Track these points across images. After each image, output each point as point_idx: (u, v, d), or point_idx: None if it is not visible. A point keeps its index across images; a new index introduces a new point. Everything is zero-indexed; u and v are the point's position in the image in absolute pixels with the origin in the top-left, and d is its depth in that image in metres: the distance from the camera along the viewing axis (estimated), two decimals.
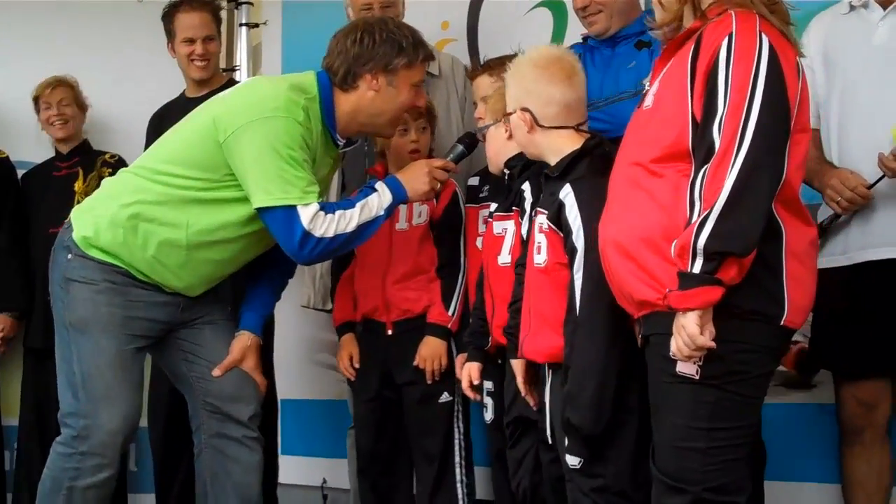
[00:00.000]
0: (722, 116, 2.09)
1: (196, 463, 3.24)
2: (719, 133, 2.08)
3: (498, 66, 3.20)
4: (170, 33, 4.05)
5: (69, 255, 2.98)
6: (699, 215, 2.07)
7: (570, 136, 2.59)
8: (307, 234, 2.83)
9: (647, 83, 2.35)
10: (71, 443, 2.94)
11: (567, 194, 2.48)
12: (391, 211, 2.99)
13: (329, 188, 3.25)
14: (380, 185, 2.97)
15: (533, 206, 2.70)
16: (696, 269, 2.05)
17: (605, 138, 2.61)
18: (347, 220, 2.88)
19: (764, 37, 2.13)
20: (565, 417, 2.43)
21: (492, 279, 2.95)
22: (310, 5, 4.62)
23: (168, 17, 4.07)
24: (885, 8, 2.87)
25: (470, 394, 3.06)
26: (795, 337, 3.37)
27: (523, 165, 2.85)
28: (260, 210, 2.86)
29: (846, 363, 2.92)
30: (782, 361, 3.48)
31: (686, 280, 2.07)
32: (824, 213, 2.92)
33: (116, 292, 2.96)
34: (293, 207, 2.82)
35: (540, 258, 2.60)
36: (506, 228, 2.92)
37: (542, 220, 2.60)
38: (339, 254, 3.10)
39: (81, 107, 4.46)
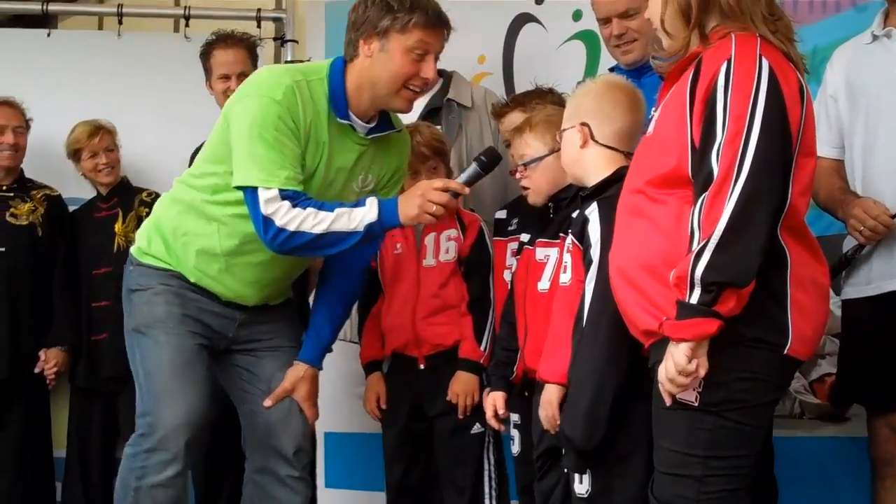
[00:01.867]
0: (720, 144, 2.05)
1: (243, 489, 3.20)
2: (717, 161, 2.05)
3: (527, 100, 3.23)
4: (207, 71, 4.14)
5: (131, 268, 3.06)
6: (697, 245, 2.04)
7: (614, 160, 2.61)
8: (267, 220, 2.72)
9: (653, 110, 2.34)
10: (137, 441, 2.92)
11: (592, 210, 2.52)
12: (377, 232, 2.78)
13: (360, 191, 2.98)
14: (370, 201, 2.76)
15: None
16: (694, 299, 2.02)
17: None
18: (316, 221, 2.71)
19: (764, 61, 2.09)
20: (561, 428, 2.44)
21: (528, 306, 2.93)
22: None
23: (205, 54, 4.15)
24: None
25: (494, 424, 3.06)
26: (828, 369, 3.40)
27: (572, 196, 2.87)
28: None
29: (876, 394, 2.89)
30: (818, 394, 3.49)
31: (683, 310, 2.04)
32: (849, 244, 2.90)
33: (173, 293, 2.97)
34: (255, 189, 2.73)
35: (566, 277, 2.65)
36: (548, 255, 2.89)
37: (569, 239, 2.65)
38: (313, 254, 2.95)
39: (119, 148, 4.52)
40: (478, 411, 3.26)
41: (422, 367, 3.34)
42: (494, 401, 3.04)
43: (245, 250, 2.94)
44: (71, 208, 4.60)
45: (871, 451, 2.96)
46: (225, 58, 4.10)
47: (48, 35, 5.00)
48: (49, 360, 4.34)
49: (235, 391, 3.13)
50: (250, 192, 2.74)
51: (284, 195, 2.71)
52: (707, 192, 2.06)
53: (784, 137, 2.08)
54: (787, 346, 2.12)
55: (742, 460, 2.14)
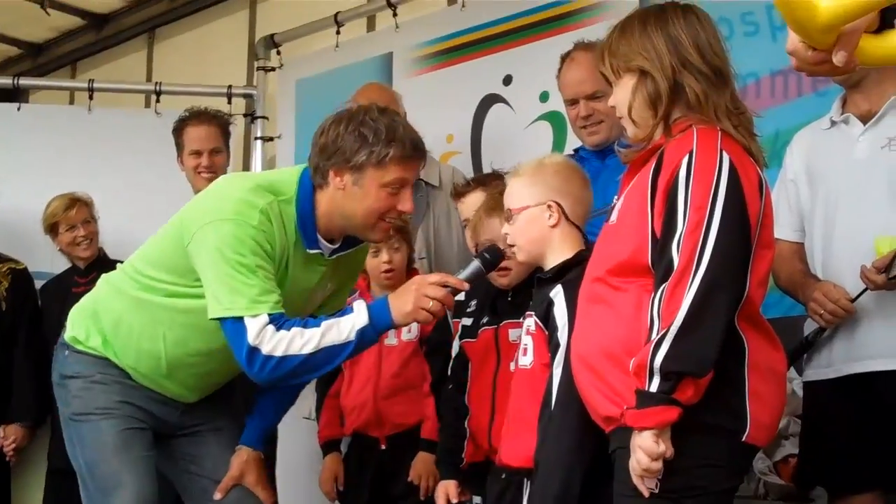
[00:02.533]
0: (681, 234, 2.09)
1: None
2: (678, 251, 2.08)
3: (488, 181, 3.25)
4: (179, 146, 4.17)
5: (66, 353, 2.89)
6: (657, 334, 2.07)
7: (578, 240, 2.64)
8: (253, 350, 2.51)
9: (615, 198, 2.37)
10: None
11: (557, 293, 2.52)
12: (370, 338, 2.59)
13: (322, 298, 2.92)
14: (357, 305, 2.60)
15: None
16: (654, 388, 2.04)
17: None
18: (304, 341, 2.52)
19: (725, 154, 2.13)
20: None
21: (499, 388, 2.88)
22: (324, 116, 4.71)
23: (178, 130, 4.20)
24: (864, 123, 2.90)
25: None
26: (792, 449, 3.40)
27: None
28: (215, 321, 2.61)
29: (836, 478, 2.89)
30: (782, 475, 3.50)
31: (643, 399, 2.06)
32: (810, 327, 2.92)
33: (112, 381, 2.82)
34: (241, 319, 2.52)
35: (526, 359, 2.62)
36: (520, 336, 2.86)
37: (530, 322, 2.63)
38: (304, 379, 2.78)
39: (96, 221, 4.53)
40: None
41: (383, 447, 3.31)
42: (447, 489, 3.01)
43: (192, 362, 2.82)
44: (40, 282, 4.59)
45: None
46: (197, 133, 4.14)
47: (18, 109, 5.06)
48: (7, 437, 4.31)
49: (181, 477, 2.98)
50: (232, 323, 2.54)
51: (271, 320, 2.53)
52: (667, 282, 2.08)
53: (743, 229, 2.12)
54: (746, 433, 2.13)
55: None
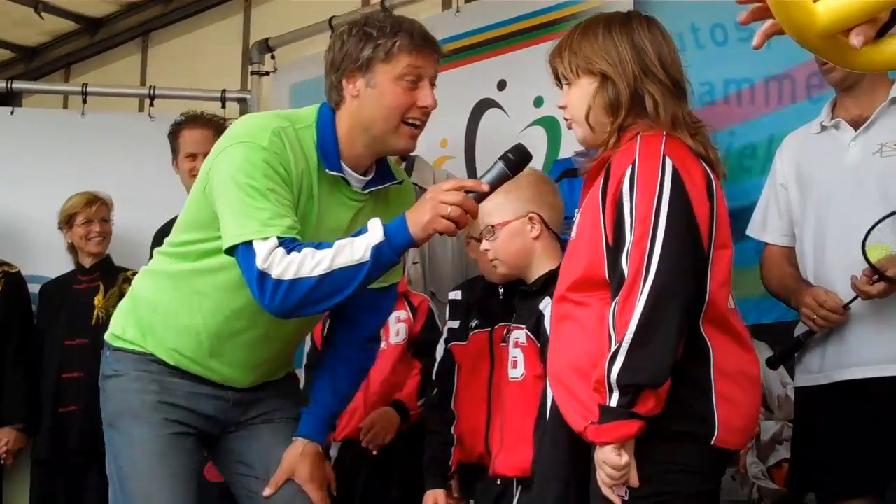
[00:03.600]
0: (629, 247, 2.09)
1: None
2: (627, 263, 2.09)
3: None
4: (175, 150, 4.19)
5: (107, 353, 2.72)
6: (612, 348, 2.07)
7: (557, 250, 2.65)
8: (263, 275, 2.32)
9: (576, 212, 2.36)
10: None
11: (547, 306, 2.54)
12: (386, 257, 2.33)
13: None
14: (371, 223, 2.36)
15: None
16: (613, 402, 2.04)
17: None
18: (314, 262, 2.30)
19: (668, 160, 2.12)
20: None
21: (495, 392, 2.88)
22: None
23: (174, 133, 4.21)
24: (855, 129, 2.91)
25: None
26: (786, 454, 3.40)
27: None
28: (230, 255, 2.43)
29: (827, 483, 2.89)
30: (775, 479, 3.49)
31: (604, 414, 2.07)
32: (801, 328, 2.92)
33: (150, 380, 2.62)
34: (250, 244, 2.34)
35: (517, 372, 2.65)
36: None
37: (518, 334, 2.65)
38: (320, 308, 2.44)
39: (112, 224, 4.55)
40: None
41: (374, 453, 3.31)
42: (435, 499, 3.00)
43: (233, 330, 2.60)
44: (33, 286, 4.59)
45: None
46: (193, 137, 4.15)
47: (11, 113, 5.04)
48: (0, 439, 4.29)
49: (232, 478, 2.77)
50: (243, 250, 2.36)
51: (281, 243, 2.33)
52: (619, 295, 2.09)
53: (691, 234, 2.11)
54: (714, 437, 2.13)
55: None
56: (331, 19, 4.71)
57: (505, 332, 2.87)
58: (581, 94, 2.28)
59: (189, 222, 2.61)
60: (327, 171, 2.51)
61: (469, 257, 3.39)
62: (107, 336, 2.75)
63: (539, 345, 2.58)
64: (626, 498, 2.10)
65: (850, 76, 2.86)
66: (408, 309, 3.41)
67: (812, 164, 2.97)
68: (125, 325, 2.70)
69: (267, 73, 5.08)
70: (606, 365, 2.05)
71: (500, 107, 4.24)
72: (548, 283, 2.60)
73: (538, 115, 4.10)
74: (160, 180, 4.61)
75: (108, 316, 4.27)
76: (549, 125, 4.09)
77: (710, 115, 3.16)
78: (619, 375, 2.03)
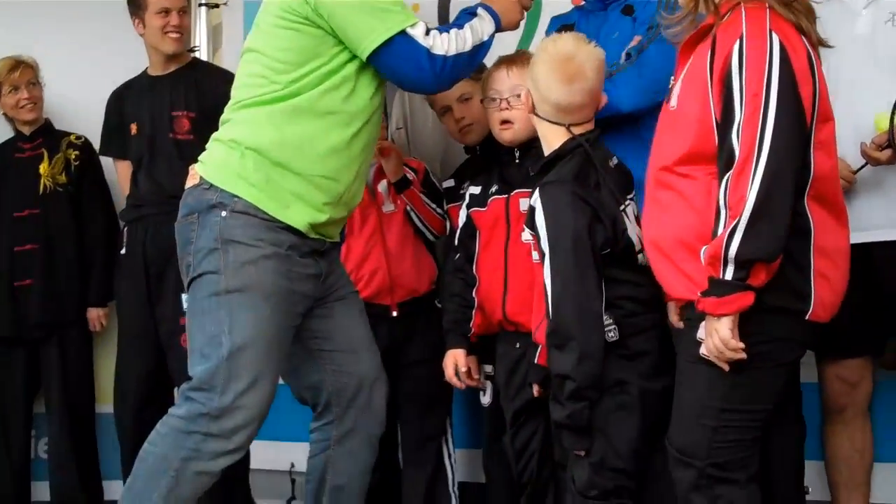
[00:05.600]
0: (739, 123, 2.15)
1: (312, 460, 2.95)
2: (738, 140, 2.15)
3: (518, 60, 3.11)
4: (140, 6, 3.96)
5: (223, 213, 2.62)
6: (726, 224, 2.14)
7: (558, 133, 2.64)
8: (430, 54, 2.63)
9: (672, 79, 2.39)
10: (196, 420, 2.57)
11: (536, 199, 2.55)
12: (492, 34, 2.79)
13: None
14: (480, 10, 2.78)
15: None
16: (728, 275, 2.14)
17: (589, 137, 2.63)
18: (463, 39, 2.70)
19: (774, 36, 2.18)
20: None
21: (511, 255, 2.92)
22: None
23: None
24: None
25: (455, 382, 3.05)
26: None
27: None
28: (373, 57, 2.63)
29: (828, 343, 2.97)
30: None
31: (719, 287, 2.15)
32: None
33: (282, 260, 2.63)
34: (403, 33, 2.62)
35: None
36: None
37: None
38: (463, 77, 2.87)
39: (42, 86, 4.34)
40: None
41: (394, 314, 3.30)
42: (455, 359, 3.02)
43: (359, 132, 2.73)
44: None
45: (822, 398, 3.08)
46: None
47: None
48: None
49: (312, 354, 2.85)
50: (400, 39, 2.62)
51: (427, 27, 2.66)
52: (731, 172, 2.15)
53: (798, 111, 2.18)
54: (809, 312, 2.24)
55: (756, 414, 2.28)
56: None
57: (521, 198, 2.91)
58: None
59: (293, 60, 2.66)
60: None
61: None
62: (219, 197, 2.63)
63: (536, 236, 2.58)
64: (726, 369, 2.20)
65: None
66: (409, 171, 3.40)
67: (820, 33, 2.97)
68: (249, 186, 2.63)
69: None
70: (724, 240, 2.13)
71: None
72: (544, 170, 2.64)
73: None
74: (113, 42, 4.43)
75: (56, 184, 4.19)
76: None
77: None
78: (737, 251, 2.11)
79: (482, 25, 2.73)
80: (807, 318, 2.25)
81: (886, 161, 2.80)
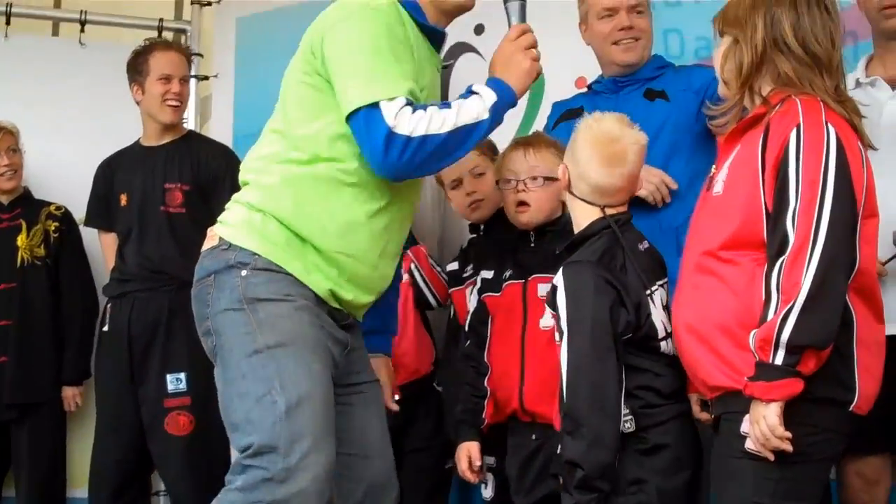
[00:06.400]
0: (795, 209, 2.15)
1: None
2: (793, 226, 2.15)
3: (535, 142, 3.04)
4: (141, 72, 3.89)
5: (243, 272, 2.39)
6: (777, 308, 2.12)
7: (591, 213, 2.58)
8: (391, 133, 2.29)
9: (714, 167, 2.39)
10: (259, 488, 2.25)
11: (559, 278, 2.49)
12: (501, 113, 2.43)
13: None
14: (478, 86, 2.43)
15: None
16: (779, 361, 2.11)
17: (619, 219, 2.56)
18: (442, 119, 2.33)
19: (831, 128, 2.20)
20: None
21: (528, 343, 2.83)
22: (265, 57, 4.49)
23: (141, 54, 3.92)
24: (893, 87, 2.91)
25: (470, 476, 2.92)
26: None
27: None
28: (349, 125, 2.37)
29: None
30: None
31: (768, 372, 2.12)
32: None
33: (314, 313, 2.42)
34: (376, 105, 2.31)
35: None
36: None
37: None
38: (437, 167, 2.49)
39: (22, 153, 4.21)
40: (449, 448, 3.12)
41: (397, 397, 3.17)
42: (469, 452, 2.90)
43: (383, 209, 2.50)
44: None
45: (840, 495, 2.99)
46: (169, 59, 3.89)
47: None
48: None
49: None
50: (367, 112, 2.32)
51: (408, 102, 2.33)
52: (786, 256, 2.15)
53: (852, 203, 2.19)
54: (854, 404, 2.22)
55: None
56: None
57: (539, 283, 2.84)
58: (718, 53, 2.41)
59: (307, 115, 2.47)
60: (425, 26, 2.52)
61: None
62: (238, 256, 2.41)
63: (556, 315, 2.49)
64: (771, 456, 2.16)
65: None
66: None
67: None
68: (270, 244, 2.43)
69: (209, 3, 4.79)
70: (777, 324, 2.10)
71: (476, 52, 4.11)
72: (570, 249, 2.57)
73: None
74: (92, 110, 4.40)
75: (34, 257, 4.05)
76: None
77: None
78: (791, 336, 2.09)
79: (479, 103, 2.39)
80: (851, 409, 2.22)
81: None
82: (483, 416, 2.90)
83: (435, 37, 2.57)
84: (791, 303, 2.10)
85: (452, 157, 2.42)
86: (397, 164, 2.32)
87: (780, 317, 2.10)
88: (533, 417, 2.81)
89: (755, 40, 2.32)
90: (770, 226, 2.20)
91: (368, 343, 2.70)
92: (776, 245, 2.17)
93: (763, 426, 2.11)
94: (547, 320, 2.80)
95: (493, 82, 2.44)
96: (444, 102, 2.42)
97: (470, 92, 2.43)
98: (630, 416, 2.42)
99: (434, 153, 2.34)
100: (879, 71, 2.94)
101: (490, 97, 2.39)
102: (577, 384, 2.38)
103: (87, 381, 4.11)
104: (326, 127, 2.43)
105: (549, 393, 2.59)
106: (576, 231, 2.60)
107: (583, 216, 2.58)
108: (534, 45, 2.46)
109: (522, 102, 3.87)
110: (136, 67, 3.90)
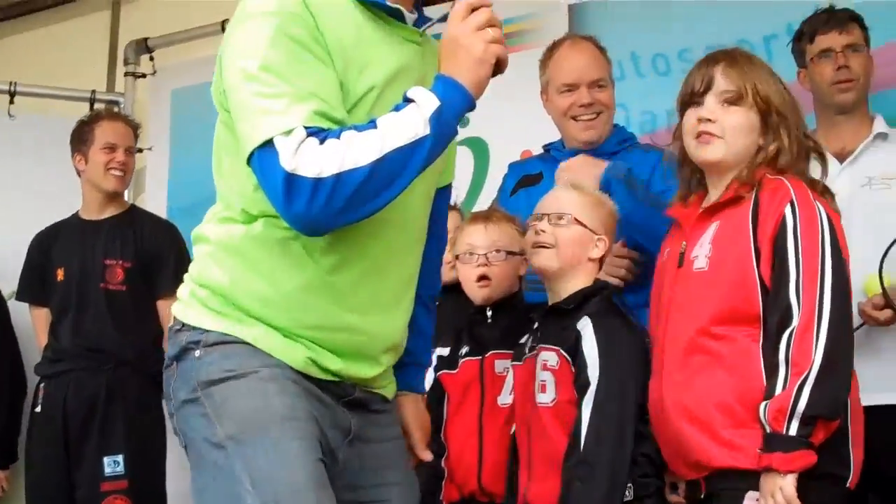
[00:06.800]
0: (798, 281, 2.17)
1: None
2: (798, 298, 2.16)
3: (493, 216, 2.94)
4: (85, 142, 3.83)
5: (196, 353, 1.97)
6: (788, 379, 2.12)
7: (592, 273, 2.57)
8: (292, 177, 1.77)
9: (685, 243, 2.35)
10: None
11: (585, 326, 2.45)
12: (450, 122, 1.86)
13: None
14: (414, 92, 1.85)
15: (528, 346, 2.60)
16: (793, 431, 2.10)
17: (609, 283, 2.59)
18: (363, 146, 1.78)
19: (818, 204, 2.24)
20: None
21: (486, 425, 2.76)
22: (202, 129, 4.41)
23: (87, 124, 3.87)
24: (841, 161, 2.96)
25: None
26: None
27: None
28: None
29: None
30: None
31: (785, 443, 2.10)
32: None
33: (286, 378, 1.93)
34: (269, 143, 1.79)
35: (546, 397, 2.50)
36: (507, 368, 2.74)
37: (548, 356, 2.51)
38: (369, 209, 1.85)
39: None
40: None
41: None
42: None
43: (343, 261, 1.97)
44: None
45: None
46: (115, 128, 3.86)
47: None
48: None
49: None
50: (259, 155, 1.81)
51: (310, 132, 1.79)
52: (794, 328, 2.15)
53: (846, 275, 2.22)
54: (849, 479, 2.22)
55: None
56: (223, 22, 4.41)
57: (496, 360, 2.78)
58: (740, 122, 2.32)
59: (225, 167, 2.01)
60: (376, 4, 1.96)
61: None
62: (190, 336, 1.99)
63: (574, 368, 2.44)
64: None
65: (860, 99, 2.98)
66: None
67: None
68: (217, 315, 1.98)
69: (143, 76, 4.72)
70: (793, 395, 2.10)
71: None
72: (584, 302, 2.51)
73: (464, 136, 3.96)
74: (15, 182, 4.32)
75: None
76: (476, 147, 4.02)
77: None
78: (806, 406, 2.09)
79: (411, 117, 1.82)
80: (847, 485, 2.21)
81: (885, 322, 2.80)
82: (440, 497, 2.81)
83: (396, 13, 1.99)
84: (805, 373, 2.10)
85: (389, 194, 1.84)
86: (307, 213, 1.79)
87: (796, 388, 2.10)
88: (492, 498, 2.73)
89: (797, 133, 2.34)
90: (770, 299, 2.20)
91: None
92: (777, 317, 2.17)
93: (779, 498, 2.09)
94: (505, 397, 2.75)
95: (438, 83, 1.87)
96: (371, 122, 1.85)
97: (406, 100, 1.86)
98: (629, 484, 2.39)
99: (358, 193, 1.79)
100: (824, 145, 2.98)
101: (429, 105, 1.82)
102: (601, 431, 2.35)
103: (14, 465, 3.94)
104: (249, 176, 1.89)
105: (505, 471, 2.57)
106: (564, 290, 2.54)
107: (587, 277, 2.56)
108: (490, 24, 1.87)
109: (467, 169, 3.94)
110: (81, 137, 3.84)
